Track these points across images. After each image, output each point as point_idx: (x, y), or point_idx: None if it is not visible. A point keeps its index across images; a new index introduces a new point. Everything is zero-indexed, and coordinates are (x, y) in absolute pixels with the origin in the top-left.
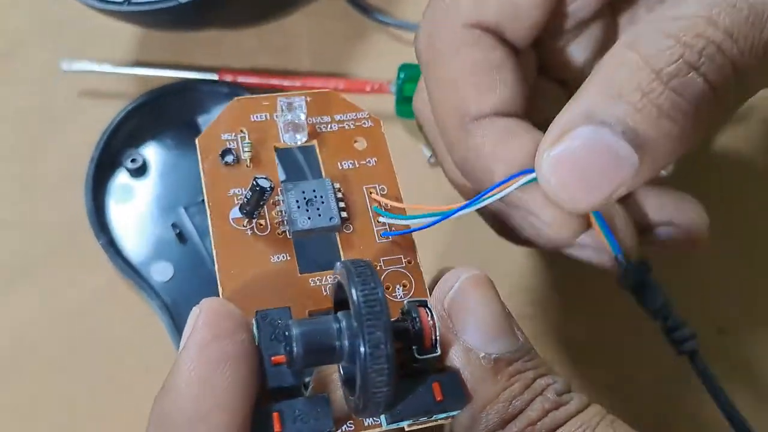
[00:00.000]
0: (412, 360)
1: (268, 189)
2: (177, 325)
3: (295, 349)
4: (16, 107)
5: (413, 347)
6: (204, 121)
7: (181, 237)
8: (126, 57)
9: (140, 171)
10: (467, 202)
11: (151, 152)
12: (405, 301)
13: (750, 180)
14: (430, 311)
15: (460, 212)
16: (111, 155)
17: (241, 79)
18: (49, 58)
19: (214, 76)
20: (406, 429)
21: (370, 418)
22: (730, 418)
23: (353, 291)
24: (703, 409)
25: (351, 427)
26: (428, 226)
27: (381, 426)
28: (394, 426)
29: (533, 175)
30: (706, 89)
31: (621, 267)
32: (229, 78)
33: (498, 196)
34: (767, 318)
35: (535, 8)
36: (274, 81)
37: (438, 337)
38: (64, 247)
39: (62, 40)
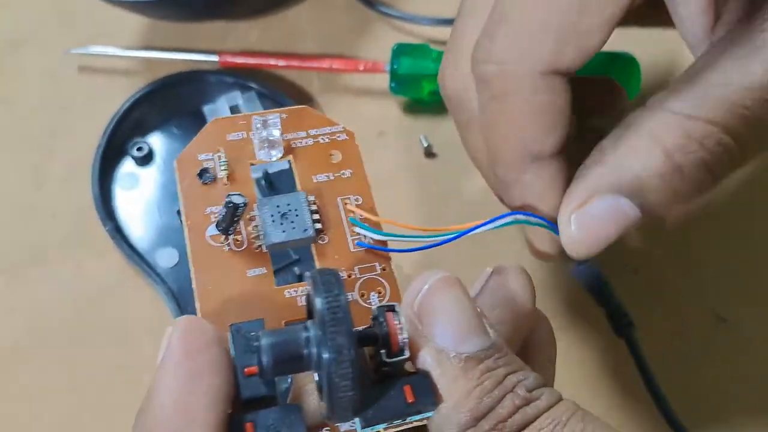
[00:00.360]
0: (383, 364)
1: (241, 205)
2: (183, 310)
3: (264, 359)
4: (28, 97)
5: (382, 351)
6: (209, 110)
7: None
8: (134, 47)
9: (146, 159)
10: (455, 234)
11: (157, 141)
12: (374, 307)
13: (749, 166)
14: (398, 315)
15: (445, 242)
16: (117, 144)
17: (240, 60)
18: (60, 49)
19: (215, 57)
20: None
21: (347, 425)
22: (657, 399)
23: (317, 299)
24: None
25: None
26: (408, 250)
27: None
28: (368, 430)
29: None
30: (716, 179)
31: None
32: (229, 58)
33: (486, 228)
34: (766, 305)
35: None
36: (272, 61)
37: (405, 340)
38: (74, 234)
39: (73, 31)
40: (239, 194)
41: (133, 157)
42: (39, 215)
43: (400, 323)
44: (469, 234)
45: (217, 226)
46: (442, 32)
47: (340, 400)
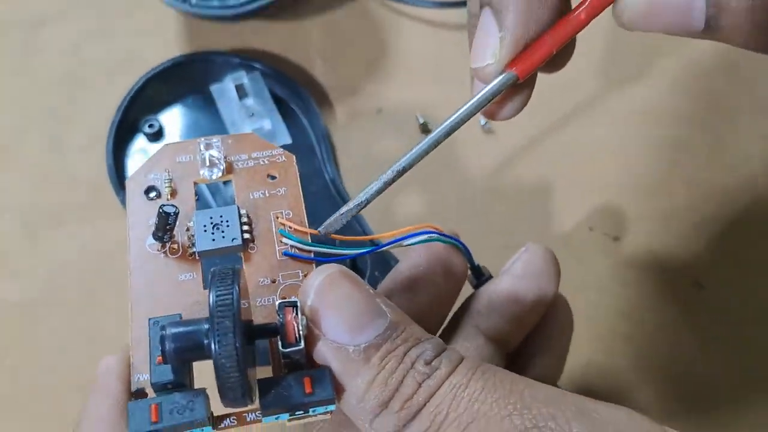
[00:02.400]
0: (283, 356)
1: (172, 214)
2: None
3: (167, 346)
4: (50, 71)
5: (279, 342)
6: (216, 89)
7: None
8: (151, 29)
9: (157, 135)
10: (369, 248)
11: (167, 118)
12: (277, 303)
13: (729, 132)
14: (296, 309)
15: (357, 255)
16: (131, 120)
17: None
18: (79, 29)
19: None
20: (287, 424)
21: (253, 415)
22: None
23: (210, 293)
24: None
25: (233, 422)
26: (328, 260)
27: (261, 420)
28: (272, 419)
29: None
30: None
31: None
32: None
33: (403, 243)
34: (743, 272)
35: None
36: None
37: (301, 332)
38: (91, 201)
39: (91, 13)
40: (172, 205)
41: (145, 134)
42: (58, 181)
43: (297, 317)
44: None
45: (153, 235)
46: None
47: (226, 382)
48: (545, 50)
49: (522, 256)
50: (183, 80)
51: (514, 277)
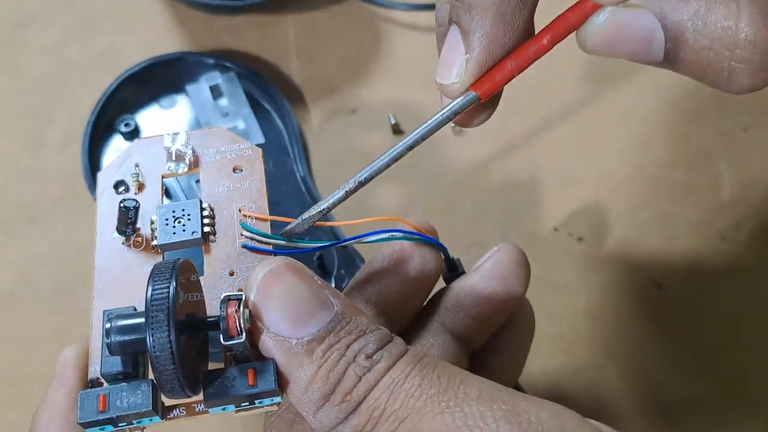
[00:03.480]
0: (227, 348)
1: (132, 208)
2: None
3: (111, 339)
4: (32, 72)
5: (221, 335)
6: (192, 89)
7: (168, 194)
8: (132, 29)
9: (133, 134)
10: (330, 242)
11: (144, 118)
12: (222, 295)
13: (692, 130)
14: (240, 303)
15: (317, 249)
16: (107, 120)
17: None
18: (61, 29)
19: None
20: (234, 415)
21: (200, 406)
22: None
23: (147, 287)
24: None
25: (182, 412)
26: (286, 252)
27: (207, 411)
28: (218, 410)
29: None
30: None
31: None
32: None
33: (364, 240)
34: (703, 272)
35: None
36: None
37: (242, 325)
38: (65, 198)
39: (72, 12)
40: (133, 199)
41: (121, 133)
42: (34, 178)
43: (239, 310)
44: (347, 243)
45: (117, 229)
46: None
47: (162, 374)
48: (507, 73)
49: (493, 256)
50: (159, 80)
51: (484, 276)
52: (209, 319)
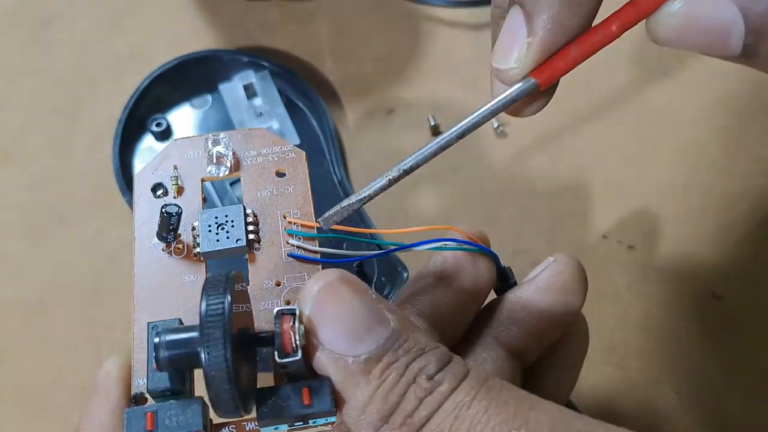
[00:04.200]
0: (280, 366)
1: (174, 214)
2: None
3: (160, 354)
4: (57, 70)
5: (275, 353)
6: (225, 88)
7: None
8: (159, 26)
9: (165, 134)
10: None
11: (175, 117)
12: (275, 310)
13: (749, 137)
14: (295, 318)
15: (372, 257)
16: (138, 119)
17: None
18: (88, 26)
19: None
20: None
21: (252, 424)
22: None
23: (201, 302)
24: None
25: (233, 431)
26: (337, 261)
27: (259, 431)
28: (270, 430)
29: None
30: None
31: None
32: None
33: (416, 248)
34: (764, 283)
35: None
36: None
37: (298, 342)
38: (96, 201)
39: (98, 9)
40: (175, 204)
41: (152, 132)
42: (63, 179)
43: (294, 326)
44: (403, 250)
45: (157, 235)
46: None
47: (218, 394)
48: (570, 60)
49: (549, 267)
50: (191, 79)
51: (540, 289)
52: (262, 335)
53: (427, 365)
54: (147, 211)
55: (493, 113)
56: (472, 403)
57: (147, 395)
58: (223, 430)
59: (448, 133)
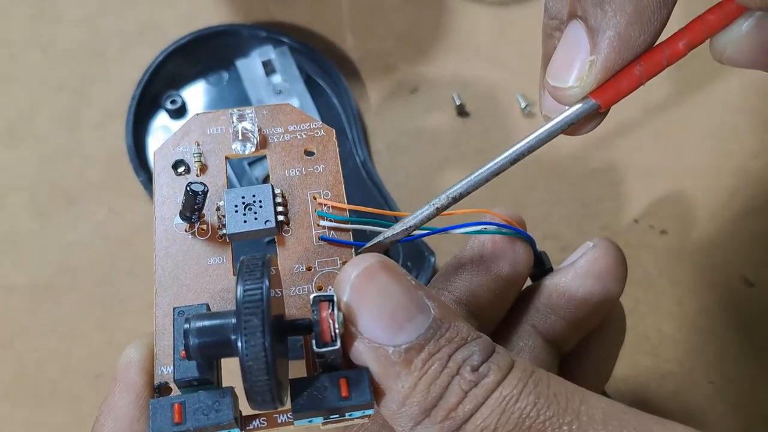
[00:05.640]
0: (317, 355)
1: (200, 193)
2: None
3: (191, 342)
4: (65, 44)
5: (313, 341)
6: (242, 64)
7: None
8: (168, 2)
9: (179, 112)
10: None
11: (190, 94)
12: (311, 296)
13: None
14: (333, 305)
15: (410, 239)
16: (151, 96)
17: None
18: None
19: None
20: (321, 428)
21: (284, 416)
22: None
23: (237, 286)
24: None
25: (264, 423)
26: (369, 244)
27: (292, 423)
28: (304, 422)
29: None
30: None
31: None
32: None
33: (455, 231)
34: None
35: None
36: None
37: (337, 330)
38: (107, 180)
39: None
40: (200, 182)
41: (167, 110)
42: (72, 158)
43: (333, 313)
44: (438, 233)
45: (180, 215)
46: None
47: (254, 385)
48: (635, 80)
49: (588, 253)
50: (207, 54)
51: (579, 275)
52: (299, 322)
53: (471, 356)
54: (168, 188)
55: (551, 136)
56: (519, 396)
57: (172, 385)
58: (254, 422)
59: (500, 157)
